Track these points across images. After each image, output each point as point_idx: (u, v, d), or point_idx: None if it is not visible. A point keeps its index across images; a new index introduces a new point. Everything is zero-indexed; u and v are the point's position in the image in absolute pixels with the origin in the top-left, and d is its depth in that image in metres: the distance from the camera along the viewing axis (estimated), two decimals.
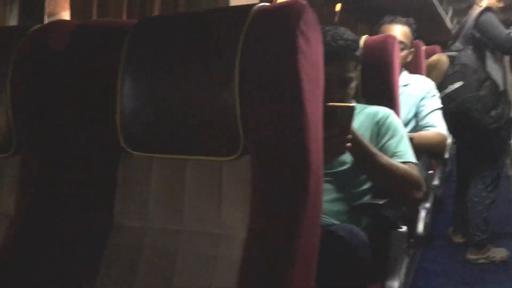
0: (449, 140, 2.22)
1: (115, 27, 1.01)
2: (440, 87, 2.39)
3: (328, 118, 0.91)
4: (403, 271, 1.47)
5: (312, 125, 0.83)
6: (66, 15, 1.74)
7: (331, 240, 1.06)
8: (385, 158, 1.32)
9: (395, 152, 1.38)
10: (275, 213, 0.82)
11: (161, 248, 0.92)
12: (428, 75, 2.45)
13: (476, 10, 2.58)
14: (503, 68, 2.57)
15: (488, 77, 2.48)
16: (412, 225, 1.99)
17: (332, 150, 1.12)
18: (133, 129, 0.94)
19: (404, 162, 1.36)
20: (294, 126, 0.81)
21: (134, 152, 0.95)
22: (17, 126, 1.07)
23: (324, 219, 1.26)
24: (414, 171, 1.36)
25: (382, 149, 1.38)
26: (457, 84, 2.47)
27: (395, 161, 1.35)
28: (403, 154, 1.38)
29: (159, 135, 0.92)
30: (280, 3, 0.85)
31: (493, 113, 2.47)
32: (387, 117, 1.44)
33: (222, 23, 0.88)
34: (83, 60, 0.99)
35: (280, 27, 0.82)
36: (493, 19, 2.49)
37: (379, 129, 1.43)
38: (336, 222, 1.33)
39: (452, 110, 2.42)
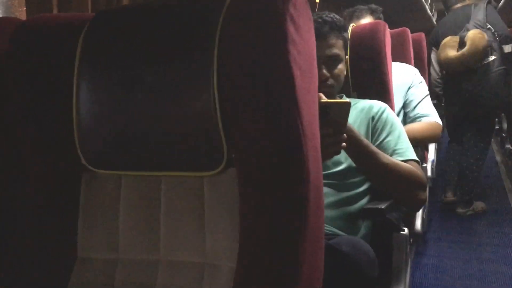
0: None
1: (68, 23, 0.85)
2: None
3: (322, 116, 0.79)
4: (407, 275, 1.36)
5: (308, 127, 0.70)
6: (22, 14, 1.56)
7: (334, 257, 0.93)
8: (387, 157, 1.22)
9: (395, 150, 1.28)
10: (269, 236, 0.69)
11: (135, 283, 0.78)
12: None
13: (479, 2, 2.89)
14: None
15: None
16: (411, 224, 1.89)
17: (327, 150, 1.02)
18: (95, 143, 0.79)
19: (405, 161, 1.26)
20: (288, 130, 0.68)
21: (98, 171, 0.80)
22: None
23: None
24: (418, 170, 1.25)
25: (380, 146, 1.28)
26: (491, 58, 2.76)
27: (397, 160, 1.23)
28: (404, 152, 1.27)
29: (127, 148, 0.77)
30: None
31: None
32: (383, 112, 1.34)
33: (194, 11, 0.73)
34: (31, 62, 0.83)
35: (264, 12, 0.68)
36: (496, 13, 2.88)
37: (375, 125, 1.33)
38: (332, 229, 1.21)
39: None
